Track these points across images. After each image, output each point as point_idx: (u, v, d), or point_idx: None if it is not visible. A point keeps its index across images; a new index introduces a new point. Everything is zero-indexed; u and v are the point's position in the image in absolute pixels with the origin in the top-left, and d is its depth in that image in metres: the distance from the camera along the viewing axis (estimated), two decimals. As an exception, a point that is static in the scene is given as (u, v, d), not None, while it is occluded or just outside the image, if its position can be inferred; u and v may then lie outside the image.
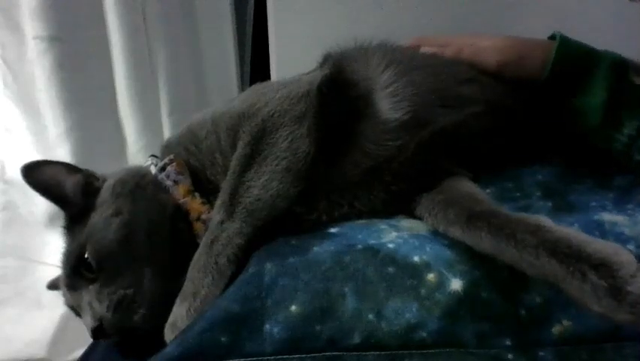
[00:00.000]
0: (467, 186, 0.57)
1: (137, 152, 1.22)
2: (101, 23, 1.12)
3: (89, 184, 0.70)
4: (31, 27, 1.07)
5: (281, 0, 1.11)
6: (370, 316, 0.43)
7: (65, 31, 1.08)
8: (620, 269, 0.37)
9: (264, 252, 0.51)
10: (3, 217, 1.17)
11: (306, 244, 0.50)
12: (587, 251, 0.39)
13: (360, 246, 0.47)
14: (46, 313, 1.13)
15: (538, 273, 0.41)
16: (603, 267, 0.37)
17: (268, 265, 0.48)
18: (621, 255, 0.38)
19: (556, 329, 0.41)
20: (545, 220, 0.44)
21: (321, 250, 0.48)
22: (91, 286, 0.60)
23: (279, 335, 0.43)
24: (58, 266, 0.68)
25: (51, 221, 1.18)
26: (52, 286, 0.78)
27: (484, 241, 0.44)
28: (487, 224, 0.45)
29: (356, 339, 0.42)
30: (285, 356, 0.43)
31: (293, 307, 0.44)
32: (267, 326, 0.44)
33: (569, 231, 0.42)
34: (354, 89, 0.63)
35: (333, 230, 0.53)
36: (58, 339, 1.13)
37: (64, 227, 0.69)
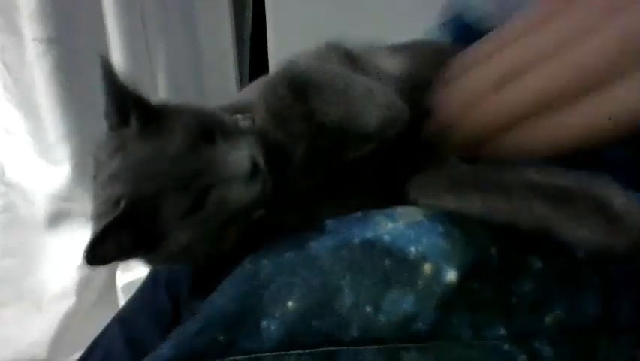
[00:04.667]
0: (454, 161, 0.57)
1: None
2: (99, 25, 1.13)
3: None
4: (30, 29, 1.07)
5: (280, 2, 1.12)
6: (368, 308, 0.43)
7: (64, 33, 1.09)
8: (612, 201, 0.37)
9: (259, 247, 0.51)
10: (3, 219, 1.17)
11: (302, 239, 0.50)
12: (578, 189, 0.39)
13: (356, 240, 0.47)
14: (47, 315, 1.14)
15: (533, 224, 0.41)
16: (596, 201, 0.38)
17: (264, 262, 0.48)
18: (610, 187, 0.38)
19: (549, 318, 0.41)
20: (529, 168, 0.43)
21: (318, 244, 0.48)
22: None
23: (277, 331, 0.43)
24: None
25: (51, 222, 1.19)
26: None
27: (474, 203, 0.44)
28: (474, 184, 0.45)
29: (353, 333, 0.42)
30: (283, 353, 0.43)
31: (290, 303, 0.44)
32: (264, 323, 0.43)
33: (555, 174, 0.41)
34: None
35: (329, 224, 0.53)
36: (59, 341, 1.13)
37: None
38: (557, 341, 0.40)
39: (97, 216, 0.49)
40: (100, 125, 1.31)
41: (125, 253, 0.48)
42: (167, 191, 0.46)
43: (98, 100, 1.30)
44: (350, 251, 0.46)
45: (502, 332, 0.41)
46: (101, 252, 0.46)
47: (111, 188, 0.48)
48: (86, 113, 1.15)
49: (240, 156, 0.48)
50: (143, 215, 0.46)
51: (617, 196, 0.37)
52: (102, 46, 1.14)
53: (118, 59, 1.14)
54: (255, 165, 0.47)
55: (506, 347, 0.41)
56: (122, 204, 0.46)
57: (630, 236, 0.36)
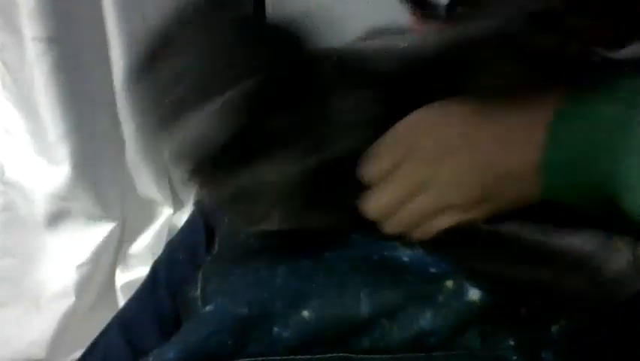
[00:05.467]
0: None
1: (136, 152, 1.23)
2: (99, 24, 1.12)
3: None
4: (30, 28, 1.07)
5: (279, 1, 1.11)
6: (383, 320, 0.43)
7: (64, 33, 1.08)
8: (593, 256, 0.38)
9: (275, 253, 0.51)
10: (2, 218, 1.17)
11: (318, 248, 0.49)
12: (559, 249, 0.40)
13: (375, 256, 0.47)
14: (46, 315, 1.14)
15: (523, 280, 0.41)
16: (578, 260, 0.39)
17: (280, 268, 0.48)
18: (585, 238, 0.39)
19: (555, 328, 0.41)
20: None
21: (336, 256, 0.47)
22: None
23: (289, 340, 0.43)
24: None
25: (50, 222, 1.19)
26: None
27: (463, 260, 0.44)
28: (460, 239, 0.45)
29: (365, 343, 0.42)
30: (291, 357, 0.43)
31: (305, 313, 0.43)
32: (276, 329, 0.43)
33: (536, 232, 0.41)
34: None
35: (344, 238, 0.52)
36: (58, 340, 1.13)
37: None
38: (562, 351, 0.40)
39: None
40: (99, 125, 1.30)
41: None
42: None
43: (98, 99, 1.29)
44: (369, 265, 0.46)
45: (511, 342, 0.41)
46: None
47: None
48: (86, 112, 1.15)
49: None
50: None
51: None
52: (102, 46, 1.14)
53: (118, 58, 1.14)
54: None
55: (514, 357, 0.40)
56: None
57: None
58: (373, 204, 0.45)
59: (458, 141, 0.40)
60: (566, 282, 0.38)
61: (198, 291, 0.51)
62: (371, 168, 0.44)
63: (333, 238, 0.50)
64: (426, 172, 0.42)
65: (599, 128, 0.34)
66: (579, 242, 0.39)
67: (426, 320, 0.42)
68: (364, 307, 0.43)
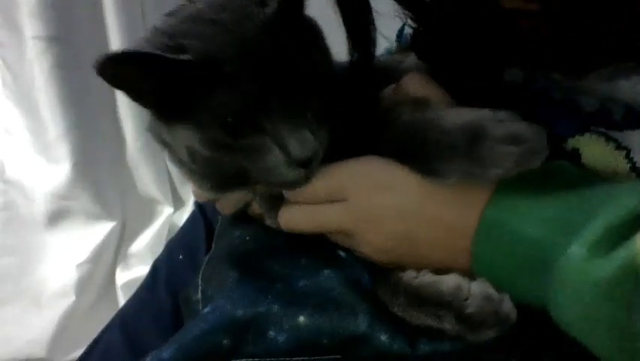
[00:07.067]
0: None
1: (136, 151, 1.23)
2: (99, 23, 1.13)
3: None
4: (30, 27, 1.07)
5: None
6: (383, 338, 0.43)
7: (64, 31, 1.09)
8: (453, 299, 0.40)
9: (274, 264, 0.50)
10: (2, 217, 1.17)
11: (315, 266, 0.49)
12: (430, 294, 0.42)
13: (363, 281, 0.47)
14: (46, 313, 1.14)
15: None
16: (445, 303, 0.41)
17: (278, 285, 0.48)
18: (448, 282, 0.41)
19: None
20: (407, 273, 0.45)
21: (334, 274, 0.48)
22: None
23: (284, 343, 0.43)
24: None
25: (50, 221, 1.19)
26: None
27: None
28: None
29: (364, 353, 0.43)
30: (287, 359, 0.43)
31: (301, 318, 0.43)
32: (272, 333, 0.43)
33: (421, 278, 0.43)
34: None
35: (341, 254, 0.52)
36: (58, 339, 1.13)
37: None
38: None
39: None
40: (99, 123, 1.30)
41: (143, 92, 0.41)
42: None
43: (98, 97, 1.29)
44: (367, 282, 0.46)
45: None
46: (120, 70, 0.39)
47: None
48: (86, 111, 1.15)
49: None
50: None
51: (458, 293, 0.40)
52: (102, 44, 1.14)
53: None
54: None
55: None
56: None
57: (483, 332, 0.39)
58: (288, 214, 0.47)
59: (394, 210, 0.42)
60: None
61: (199, 294, 0.51)
62: (306, 190, 0.45)
63: (328, 256, 0.50)
64: (353, 226, 0.44)
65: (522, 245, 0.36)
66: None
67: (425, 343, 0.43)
68: (362, 322, 0.43)
